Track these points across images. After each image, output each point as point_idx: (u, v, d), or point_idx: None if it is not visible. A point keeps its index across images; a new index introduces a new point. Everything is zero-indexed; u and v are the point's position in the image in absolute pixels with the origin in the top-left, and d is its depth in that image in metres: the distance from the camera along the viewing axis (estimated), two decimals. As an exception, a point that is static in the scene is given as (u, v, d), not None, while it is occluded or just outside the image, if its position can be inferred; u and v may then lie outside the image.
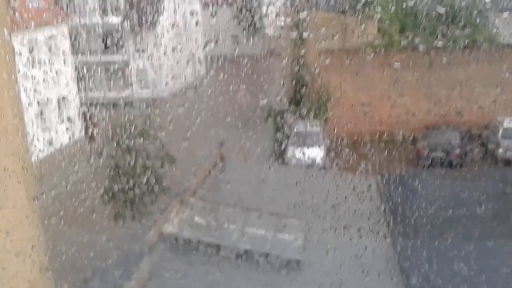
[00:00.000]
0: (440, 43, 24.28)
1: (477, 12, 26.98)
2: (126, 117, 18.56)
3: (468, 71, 22.43)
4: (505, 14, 28.14)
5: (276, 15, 40.94)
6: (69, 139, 25.78)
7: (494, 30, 28.14)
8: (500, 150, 21.08)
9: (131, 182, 15.37)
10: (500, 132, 21.50)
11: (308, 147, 21.18)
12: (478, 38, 25.21)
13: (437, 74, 23.27)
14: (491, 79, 22.34)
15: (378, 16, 25.14)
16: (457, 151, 21.05)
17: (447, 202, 12.61)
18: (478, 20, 26.94)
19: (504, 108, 21.92)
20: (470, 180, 14.79)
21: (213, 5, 43.75)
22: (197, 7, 41.13)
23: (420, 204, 12.47)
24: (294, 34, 26.30)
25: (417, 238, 10.84)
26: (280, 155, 21.70)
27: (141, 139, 16.56)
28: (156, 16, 35.76)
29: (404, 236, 11.31)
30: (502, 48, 25.10)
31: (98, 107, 29.81)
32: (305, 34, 25.38)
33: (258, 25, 42.52)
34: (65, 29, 29.10)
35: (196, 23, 40.44)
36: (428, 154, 20.74)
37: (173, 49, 35.83)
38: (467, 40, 24.52)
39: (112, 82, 35.24)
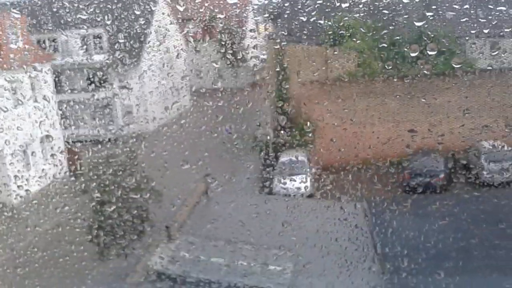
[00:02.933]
0: (419, 70, 24.78)
1: (454, 38, 27.67)
2: (111, 153, 18.47)
3: (449, 96, 22.86)
4: (480, 39, 29.01)
5: (258, 48, 41.62)
6: (53, 176, 25.51)
7: (472, 55, 28.85)
8: (484, 174, 21.30)
9: (115, 218, 15.16)
10: (483, 156, 21.78)
11: (294, 176, 21.23)
12: (456, 64, 25.75)
13: (419, 101, 23.66)
14: (472, 104, 22.80)
15: (357, 47, 25.71)
16: (442, 175, 21.23)
17: (433, 227, 12.65)
18: (455, 46, 27.60)
19: (486, 131, 22.27)
20: (455, 205, 14.88)
21: (196, 40, 44.35)
22: (181, 42, 41.67)
23: (406, 229, 12.50)
24: (276, 66, 26.74)
25: (404, 264, 10.79)
26: (266, 185, 21.68)
27: (126, 174, 16.45)
28: (139, 52, 36.12)
29: (391, 261, 11.27)
30: (480, 73, 25.68)
31: (83, 144, 29.63)
32: (287, 66, 25.83)
33: (241, 58, 43.10)
34: (48, 68, 29.22)
35: (180, 58, 40.91)
36: (413, 179, 20.88)
37: (157, 84, 36.08)
38: (446, 66, 25.04)
39: (96, 118, 35.21)
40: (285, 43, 27.08)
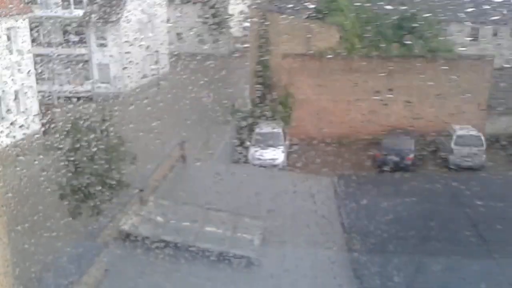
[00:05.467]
0: (399, 51, 25.03)
1: (435, 22, 27.93)
2: (86, 111, 18.27)
3: (426, 79, 23.22)
4: (462, 24, 29.41)
5: (242, 16, 41.17)
6: (26, 131, 25.12)
7: (451, 39, 29.24)
8: (452, 157, 21.92)
9: (88, 177, 15.12)
10: (453, 139, 22.34)
11: (269, 148, 21.42)
12: (435, 47, 26.09)
13: (396, 81, 23.98)
14: (448, 87, 23.24)
15: (341, 23, 25.69)
16: (411, 155, 21.77)
17: (399, 204, 13.07)
18: (435, 29, 27.88)
19: (458, 115, 22.85)
20: (422, 184, 15.31)
21: (179, 2, 43.47)
22: (163, 2, 40.80)
23: (373, 205, 12.89)
24: (259, 36, 26.55)
25: (369, 238, 11.20)
26: (242, 155, 21.84)
27: (100, 134, 16.34)
28: (119, 10, 35.29)
29: (357, 236, 11.65)
30: (458, 58, 26.11)
31: (57, 100, 29.17)
32: (269, 37, 25.67)
33: (223, 24, 42.53)
34: (25, 21, 28.34)
35: (161, 19, 40.12)
36: (383, 157, 21.35)
37: (136, 45, 35.43)
38: (425, 49, 25.35)
39: (72, 75, 34.54)
40: (268, 12, 26.86)
